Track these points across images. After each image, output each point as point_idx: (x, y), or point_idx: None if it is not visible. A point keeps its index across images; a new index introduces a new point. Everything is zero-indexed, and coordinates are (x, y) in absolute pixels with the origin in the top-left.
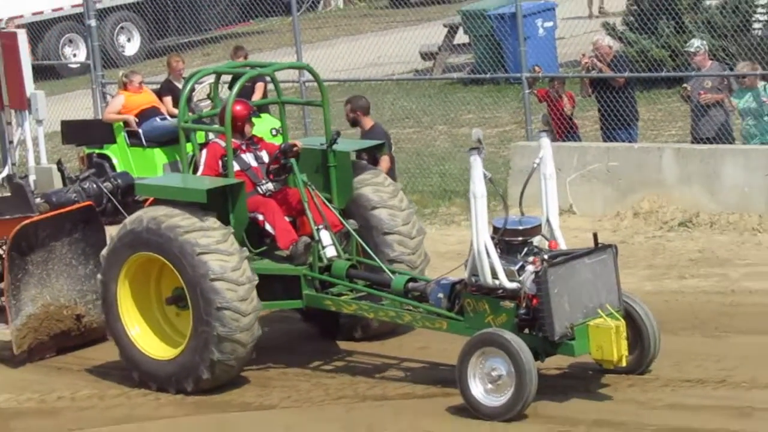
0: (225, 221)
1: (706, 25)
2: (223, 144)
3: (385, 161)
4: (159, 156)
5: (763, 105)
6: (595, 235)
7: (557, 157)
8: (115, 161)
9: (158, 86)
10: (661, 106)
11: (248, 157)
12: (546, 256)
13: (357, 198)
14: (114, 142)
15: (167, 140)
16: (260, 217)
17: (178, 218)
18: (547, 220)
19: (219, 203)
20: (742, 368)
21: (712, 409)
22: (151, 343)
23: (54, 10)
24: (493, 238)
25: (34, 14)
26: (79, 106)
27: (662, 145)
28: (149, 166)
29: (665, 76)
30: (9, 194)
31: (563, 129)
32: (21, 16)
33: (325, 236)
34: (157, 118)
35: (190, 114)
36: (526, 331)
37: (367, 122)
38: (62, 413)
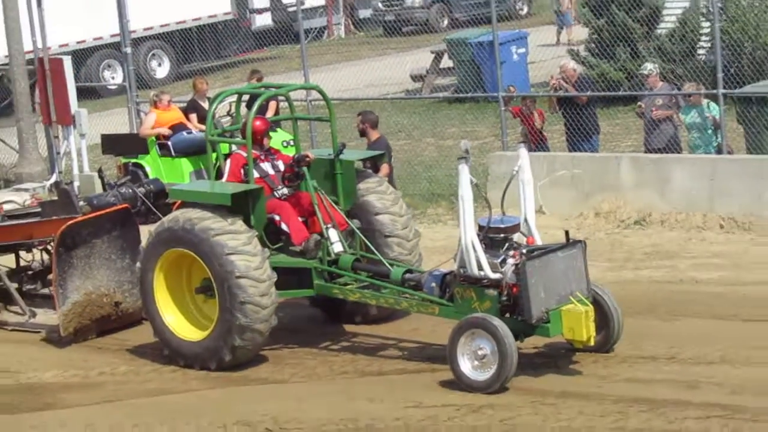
0: (247, 221)
1: (657, 51)
2: (244, 155)
3: (384, 169)
4: (186, 165)
5: (707, 120)
6: (566, 233)
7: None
8: (148, 169)
9: (185, 104)
10: (619, 121)
11: (266, 166)
12: (524, 251)
13: (363, 204)
14: (147, 152)
15: (193, 151)
16: (277, 218)
17: (210, 221)
18: (525, 220)
19: (242, 206)
20: (689, 347)
21: (663, 382)
22: (181, 326)
23: (95, 39)
24: (478, 235)
25: (78, 42)
26: (117, 122)
27: (620, 155)
28: (177, 174)
29: (622, 95)
30: (57, 198)
31: (534, 141)
32: (66, 44)
33: (333, 234)
34: (184, 132)
35: (215, 128)
36: (508, 315)
37: (374, 134)
38: (103, 387)
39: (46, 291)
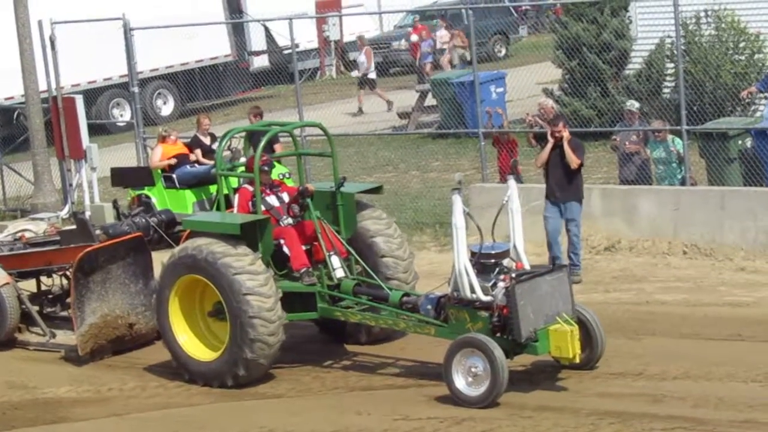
0: (255, 248)
1: (625, 91)
2: (250, 189)
3: None
4: (189, 196)
5: (672, 154)
6: (553, 259)
7: (493, 198)
8: (154, 200)
9: (188, 140)
10: (590, 155)
11: (271, 199)
12: (514, 275)
13: (359, 229)
14: (153, 184)
15: (196, 183)
16: (282, 242)
17: (220, 248)
18: (514, 246)
19: (250, 235)
20: (655, 363)
21: (631, 396)
22: (195, 348)
23: (105, 79)
24: (471, 261)
25: (89, 82)
26: (125, 156)
27: (591, 186)
28: (181, 204)
29: (593, 131)
30: (74, 227)
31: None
32: (78, 84)
33: (335, 260)
34: (188, 166)
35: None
36: (499, 335)
37: None
38: (112, 401)
39: (65, 313)
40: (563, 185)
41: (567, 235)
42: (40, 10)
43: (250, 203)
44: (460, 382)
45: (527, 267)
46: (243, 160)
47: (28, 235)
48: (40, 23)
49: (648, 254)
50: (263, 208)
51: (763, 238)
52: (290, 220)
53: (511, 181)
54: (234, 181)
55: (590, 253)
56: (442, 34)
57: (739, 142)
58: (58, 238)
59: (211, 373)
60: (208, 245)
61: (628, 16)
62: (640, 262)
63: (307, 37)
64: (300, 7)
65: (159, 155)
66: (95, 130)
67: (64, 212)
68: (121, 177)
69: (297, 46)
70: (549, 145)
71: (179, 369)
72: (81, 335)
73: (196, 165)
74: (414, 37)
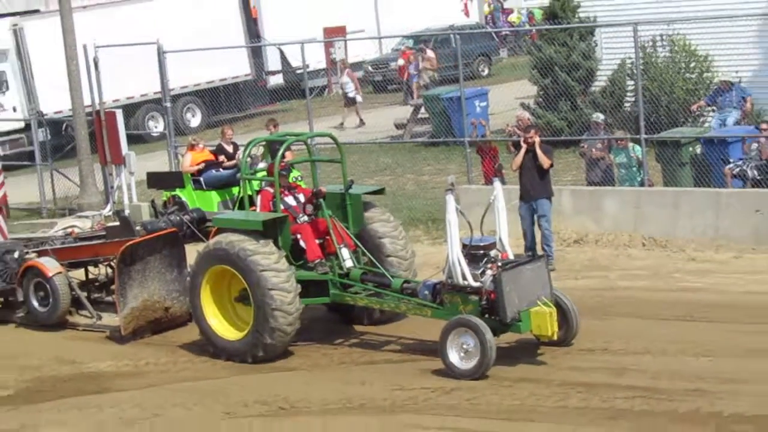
0: (276, 243)
1: (592, 104)
2: (271, 190)
3: None
4: (214, 197)
5: (632, 159)
6: (533, 251)
7: (489, 196)
8: (184, 200)
9: (213, 148)
10: (561, 160)
11: (289, 199)
12: (500, 264)
13: (369, 230)
14: (184, 186)
15: (220, 186)
16: (299, 237)
17: (247, 243)
18: (500, 239)
19: (271, 231)
20: (618, 341)
21: (597, 369)
22: (223, 328)
23: (141, 95)
24: (462, 252)
25: (127, 98)
26: (159, 162)
27: (562, 187)
28: (207, 204)
29: (564, 139)
30: (118, 224)
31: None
32: (118, 100)
33: (345, 252)
34: (213, 170)
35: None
36: (487, 316)
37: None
38: (148, 374)
39: (109, 299)
40: (535, 185)
41: (540, 229)
42: (85, 36)
43: (270, 203)
44: (454, 357)
45: (511, 257)
46: (261, 165)
47: (75, 230)
48: (85, 47)
49: (612, 246)
50: (282, 207)
51: (711, 232)
52: (305, 218)
53: (497, 183)
54: (255, 184)
55: (562, 246)
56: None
57: (690, 149)
58: (104, 233)
59: (235, 351)
60: (240, 242)
61: (594, 41)
62: (605, 253)
63: (316, 58)
64: (310, 33)
65: (188, 161)
66: (133, 140)
67: (106, 211)
68: (155, 180)
69: (308, 66)
70: (522, 150)
71: (207, 344)
72: (124, 317)
73: (220, 170)
74: (401, 61)
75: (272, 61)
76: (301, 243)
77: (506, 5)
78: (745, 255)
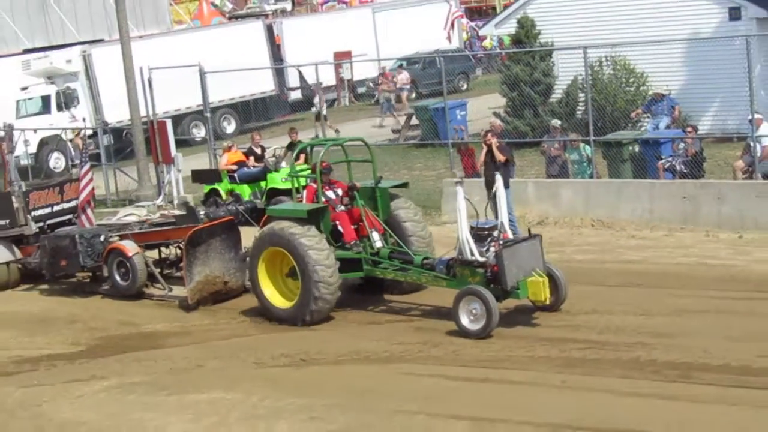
0: (318, 228)
1: (550, 113)
2: (315, 185)
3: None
4: (246, 189)
5: (583, 157)
6: (529, 230)
7: (468, 188)
8: (222, 192)
9: (245, 150)
10: (525, 158)
11: (330, 193)
12: (501, 242)
13: (395, 216)
14: (221, 181)
15: (250, 180)
16: (337, 223)
17: (294, 228)
18: (501, 222)
19: (315, 219)
20: (573, 303)
21: (557, 326)
22: (276, 299)
23: (186, 108)
24: (470, 233)
25: (175, 110)
26: (201, 162)
27: (526, 180)
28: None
29: (528, 141)
30: (185, 212)
31: (472, 171)
32: (168, 111)
33: (375, 235)
34: (245, 168)
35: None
36: (491, 285)
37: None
38: (193, 334)
39: (178, 274)
40: (494, 177)
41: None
42: (141, 60)
43: (314, 196)
44: (465, 320)
45: (511, 237)
46: (283, 164)
47: (130, 219)
48: (141, 69)
49: (567, 227)
50: (324, 199)
51: (647, 215)
52: (343, 208)
53: (498, 176)
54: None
55: (526, 227)
56: (402, 77)
57: (630, 148)
58: (173, 220)
59: (287, 317)
60: (288, 227)
61: (552, 61)
62: (562, 232)
63: (327, 77)
64: (323, 56)
65: (225, 161)
66: (180, 144)
67: (159, 201)
68: (198, 176)
69: (321, 84)
70: (484, 150)
71: (264, 311)
72: (190, 290)
73: (251, 167)
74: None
75: (292, 79)
76: (339, 228)
77: (481, 33)
78: (675, 233)
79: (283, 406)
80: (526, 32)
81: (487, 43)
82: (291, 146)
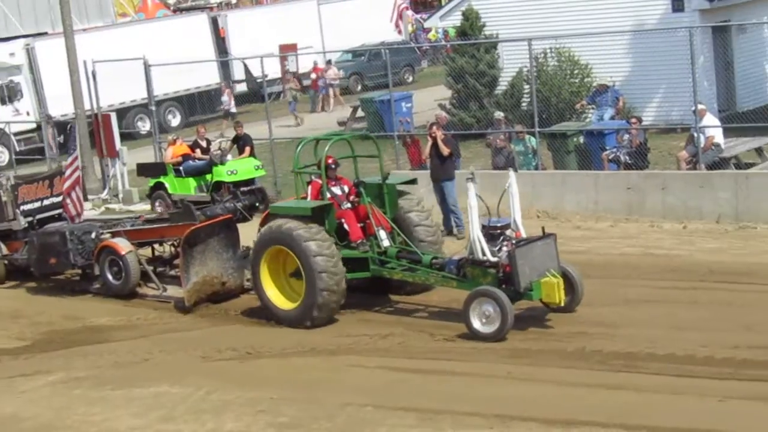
0: (323, 226)
1: (496, 104)
2: (320, 182)
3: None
4: (192, 183)
5: (528, 148)
6: (543, 229)
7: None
8: (167, 185)
9: (190, 143)
10: (471, 150)
11: (335, 189)
12: (514, 241)
13: (402, 214)
14: (166, 174)
15: (196, 173)
16: (343, 221)
17: (301, 230)
18: (514, 220)
19: (319, 216)
20: None
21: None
22: (279, 299)
23: (131, 101)
24: (482, 231)
25: (120, 103)
26: (146, 155)
27: (473, 172)
28: (186, 189)
29: (473, 133)
30: (181, 210)
31: (418, 163)
32: (112, 104)
33: (382, 234)
34: (190, 161)
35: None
36: (504, 286)
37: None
38: (138, 327)
39: (172, 273)
40: (438, 169)
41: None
42: (84, 53)
43: (319, 193)
44: (476, 323)
45: (524, 235)
46: (229, 157)
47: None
48: (84, 62)
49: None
50: (329, 196)
51: (592, 206)
52: (349, 205)
53: (511, 172)
54: (219, 173)
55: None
56: (330, 73)
57: (575, 139)
58: (168, 217)
59: (290, 319)
60: (295, 228)
61: (496, 53)
62: None
63: (273, 69)
64: (268, 49)
65: (170, 154)
66: (125, 137)
67: (103, 195)
68: (143, 169)
69: (266, 76)
70: (429, 143)
71: (267, 313)
72: (187, 290)
73: (197, 161)
74: (313, 75)
75: (237, 72)
76: (345, 226)
77: (426, 25)
78: (619, 224)
79: (231, 399)
80: (471, 24)
81: (432, 35)
82: (236, 139)
